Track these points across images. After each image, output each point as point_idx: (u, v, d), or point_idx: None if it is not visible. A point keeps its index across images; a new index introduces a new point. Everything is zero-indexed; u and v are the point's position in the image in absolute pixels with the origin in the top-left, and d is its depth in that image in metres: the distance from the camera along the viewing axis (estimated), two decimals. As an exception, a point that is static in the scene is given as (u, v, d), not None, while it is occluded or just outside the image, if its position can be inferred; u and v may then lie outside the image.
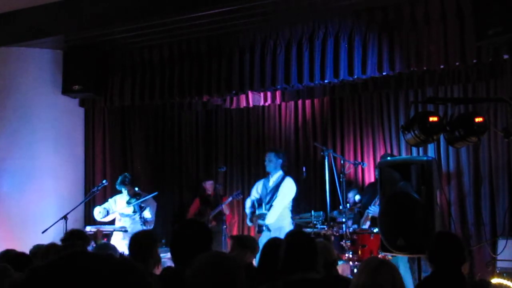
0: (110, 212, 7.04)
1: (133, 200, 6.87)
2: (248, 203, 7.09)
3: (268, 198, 6.87)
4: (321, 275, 3.18)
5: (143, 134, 8.47)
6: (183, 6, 6.22)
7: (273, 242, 3.78)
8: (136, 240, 3.69)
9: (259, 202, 6.90)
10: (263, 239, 6.53)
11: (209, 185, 7.84)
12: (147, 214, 6.93)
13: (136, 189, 7.02)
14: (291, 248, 3.21)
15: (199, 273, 2.28)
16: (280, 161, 6.90)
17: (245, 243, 4.46)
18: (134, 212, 6.88)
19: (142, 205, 6.82)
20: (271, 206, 6.73)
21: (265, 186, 7.03)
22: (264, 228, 6.70)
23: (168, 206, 8.57)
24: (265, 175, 7.28)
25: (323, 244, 3.80)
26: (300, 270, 3.06)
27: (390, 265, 3.06)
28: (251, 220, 6.95)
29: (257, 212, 6.85)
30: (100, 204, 7.19)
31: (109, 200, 7.17)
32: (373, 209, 6.29)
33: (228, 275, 2.28)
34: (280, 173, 6.90)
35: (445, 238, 3.61)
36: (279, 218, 6.73)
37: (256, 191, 7.08)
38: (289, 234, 3.68)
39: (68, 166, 7.63)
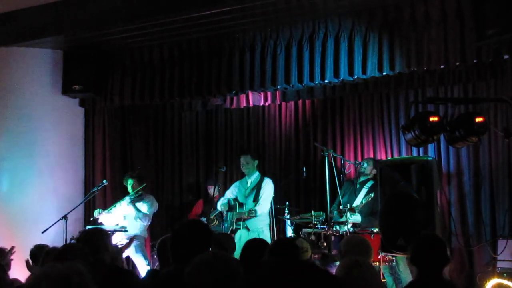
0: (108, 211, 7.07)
1: (129, 198, 7.12)
2: (221, 201, 7.13)
3: (250, 198, 6.89)
4: None
5: (143, 134, 8.47)
6: (183, 6, 6.21)
7: (254, 242, 3.91)
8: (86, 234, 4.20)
9: (239, 203, 6.93)
10: (241, 238, 6.55)
11: (211, 189, 7.79)
12: (143, 207, 7.09)
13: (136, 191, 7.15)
14: (245, 253, 3.51)
15: (196, 273, 2.29)
16: (256, 162, 7.08)
17: (221, 243, 4.50)
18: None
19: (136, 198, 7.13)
20: (257, 203, 6.76)
21: (243, 187, 7.08)
22: (241, 227, 6.75)
23: (167, 206, 8.56)
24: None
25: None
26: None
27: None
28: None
29: (237, 210, 6.86)
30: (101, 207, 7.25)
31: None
32: (354, 218, 6.26)
33: (226, 275, 2.28)
34: (257, 173, 7.05)
35: (427, 240, 3.51)
36: (259, 219, 6.74)
37: (232, 193, 7.15)
38: (249, 241, 3.83)
39: (68, 166, 7.62)
